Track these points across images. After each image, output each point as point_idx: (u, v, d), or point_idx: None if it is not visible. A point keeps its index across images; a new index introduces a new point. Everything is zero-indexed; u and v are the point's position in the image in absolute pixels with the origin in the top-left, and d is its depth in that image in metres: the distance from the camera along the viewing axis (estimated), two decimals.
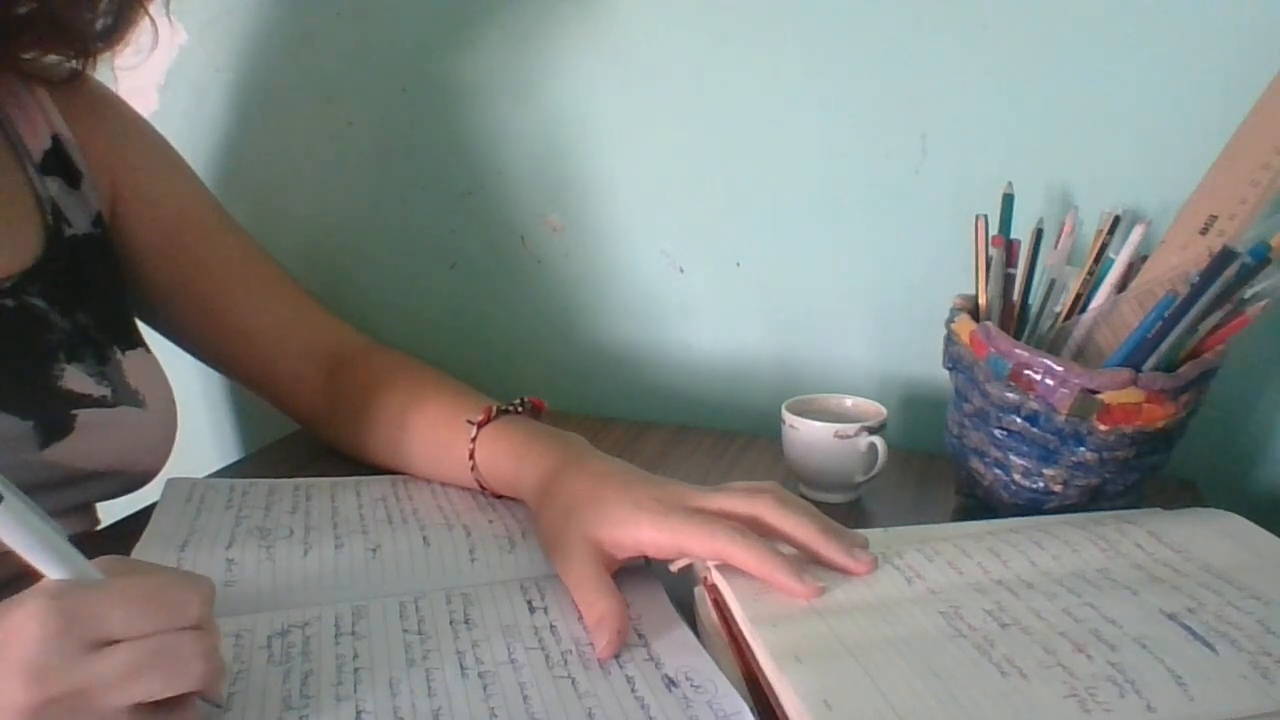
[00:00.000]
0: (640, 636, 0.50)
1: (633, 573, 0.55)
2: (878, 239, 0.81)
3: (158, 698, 0.39)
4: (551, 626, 0.51)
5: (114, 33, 0.68)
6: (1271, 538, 0.54)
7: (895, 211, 0.79)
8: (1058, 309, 0.66)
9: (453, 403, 0.67)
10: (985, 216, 0.66)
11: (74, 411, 0.61)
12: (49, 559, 0.39)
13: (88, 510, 0.70)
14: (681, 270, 0.87)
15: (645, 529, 0.51)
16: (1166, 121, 0.71)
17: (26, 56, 0.67)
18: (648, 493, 0.53)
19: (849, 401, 0.74)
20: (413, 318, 0.97)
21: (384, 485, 0.69)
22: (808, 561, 0.50)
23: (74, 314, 0.65)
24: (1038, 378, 0.59)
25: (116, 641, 0.38)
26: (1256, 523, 0.55)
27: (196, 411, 1.05)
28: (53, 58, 0.68)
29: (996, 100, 0.75)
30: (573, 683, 0.46)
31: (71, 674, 0.37)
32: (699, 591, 0.52)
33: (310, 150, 0.95)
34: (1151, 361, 0.58)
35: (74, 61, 0.69)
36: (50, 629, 0.37)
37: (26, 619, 0.37)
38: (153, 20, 0.70)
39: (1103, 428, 0.58)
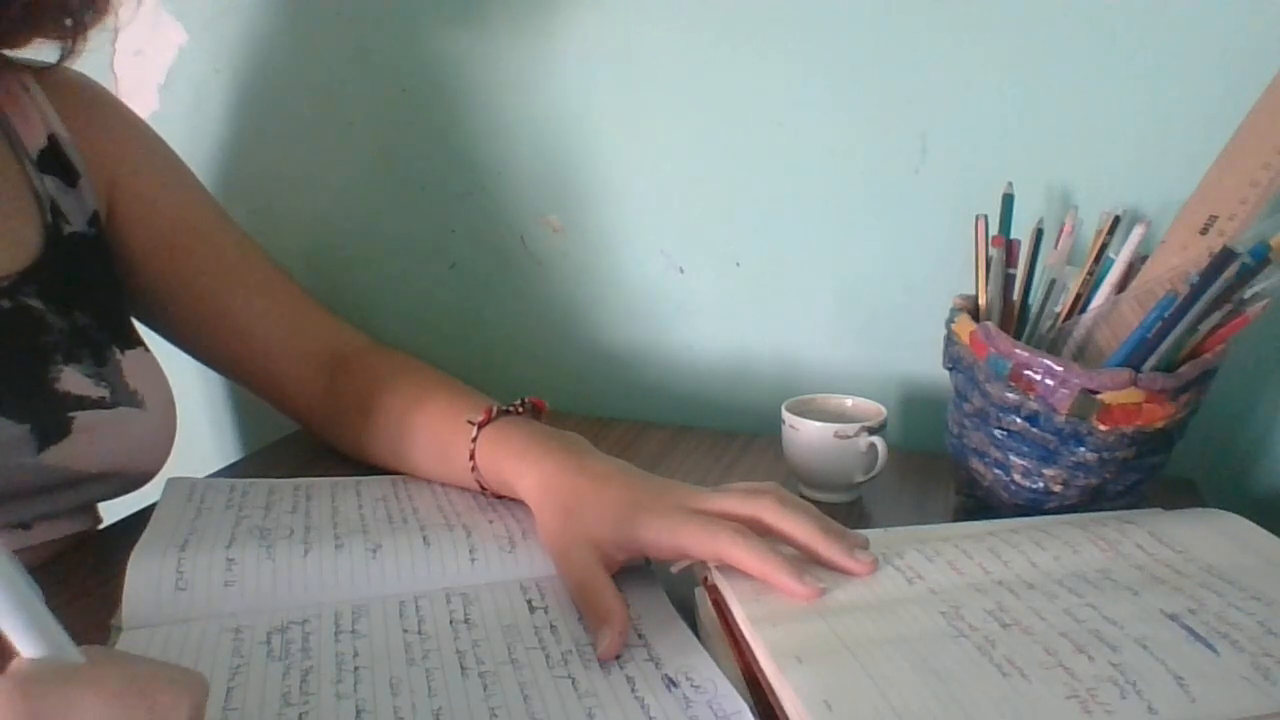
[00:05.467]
0: (640, 636, 0.50)
1: (633, 573, 0.55)
2: (878, 239, 0.81)
3: None
4: (551, 626, 0.51)
5: (98, 1, 0.68)
6: (1272, 538, 0.54)
7: (895, 211, 0.79)
8: (1058, 309, 0.66)
9: (453, 403, 0.67)
10: (985, 216, 0.66)
11: (71, 414, 0.61)
12: (25, 632, 0.32)
13: (89, 510, 0.70)
14: (681, 270, 0.87)
15: (646, 530, 0.51)
16: (1166, 121, 0.71)
17: (21, 42, 0.66)
18: (648, 493, 0.53)
19: (849, 401, 0.74)
20: (413, 318, 0.97)
21: (384, 485, 0.69)
22: (808, 562, 0.50)
23: (71, 314, 0.65)
24: (1038, 378, 0.59)
25: None
26: (1256, 523, 0.55)
27: (196, 411, 1.05)
28: (46, 55, 0.68)
29: (996, 100, 0.75)
30: (573, 683, 0.46)
31: None
32: (699, 591, 0.52)
33: (310, 150, 0.95)
34: (1151, 361, 0.58)
35: (64, 43, 0.68)
36: None
37: None
38: None
39: (1103, 428, 0.58)
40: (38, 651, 0.32)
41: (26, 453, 0.59)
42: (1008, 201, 0.67)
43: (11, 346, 0.61)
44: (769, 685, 0.43)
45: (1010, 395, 0.61)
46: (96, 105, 0.73)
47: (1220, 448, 0.77)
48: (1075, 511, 0.62)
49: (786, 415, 0.70)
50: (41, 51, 0.69)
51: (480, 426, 0.63)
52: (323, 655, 0.48)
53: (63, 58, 0.69)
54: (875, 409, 0.71)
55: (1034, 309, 0.67)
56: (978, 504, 0.67)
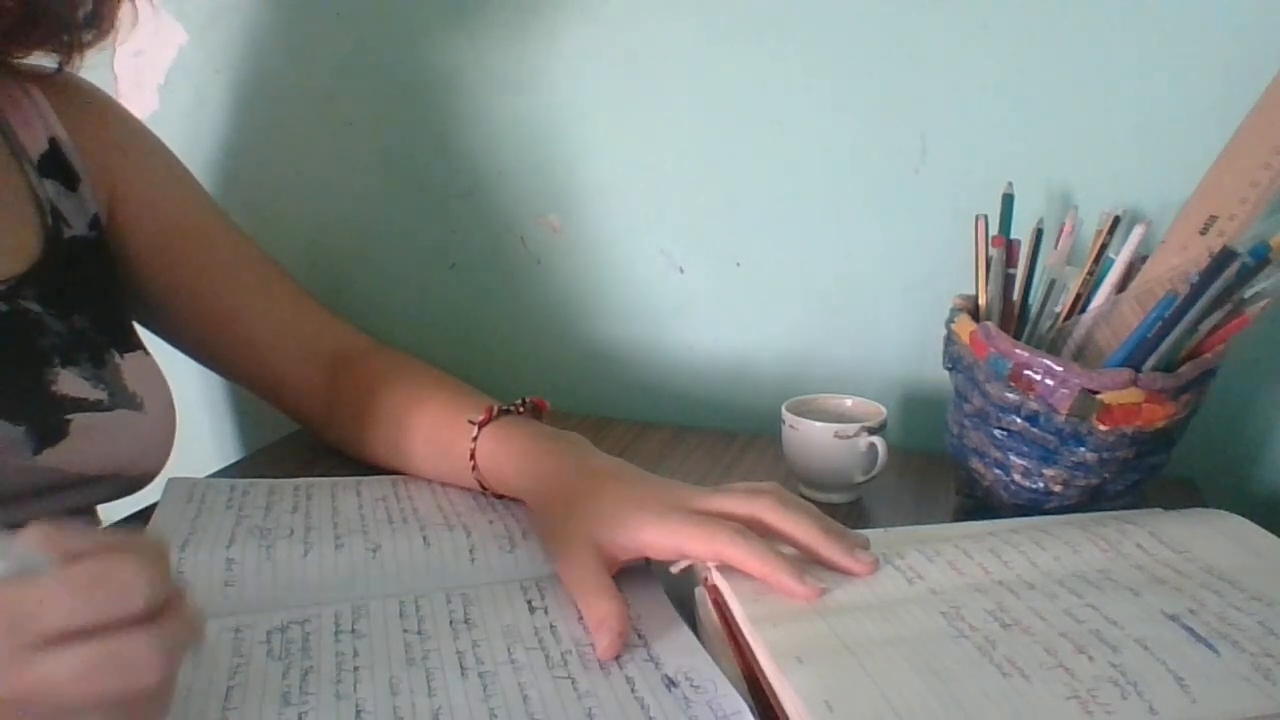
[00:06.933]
0: (640, 637, 0.50)
1: (633, 573, 0.55)
2: (878, 239, 0.81)
3: (113, 699, 0.36)
4: (551, 626, 0.51)
5: (99, 20, 0.68)
6: (1272, 538, 0.54)
7: (895, 211, 0.79)
8: (1058, 309, 0.66)
9: (454, 402, 0.67)
10: (985, 216, 0.66)
11: (69, 416, 0.61)
12: None
13: (89, 513, 0.70)
14: (681, 270, 0.87)
15: (646, 530, 0.51)
16: (1166, 121, 0.71)
17: (18, 56, 0.67)
18: (648, 493, 0.53)
19: (849, 401, 0.74)
20: (413, 318, 0.97)
21: (384, 485, 0.69)
22: (809, 562, 0.50)
23: (70, 317, 0.65)
24: (1038, 378, 0.59)
25: (68, 635, 0.35)
26: (1256, 523, 0.55)
27: (196, 412, 1.05)
28: (45, 60, 0.68)
29: (996, 100, 0.75)
30: (573, 683, 0.46)
31: (20, 676, 0.34)
32: (699, 592, 0.52)
33: (310, 150, 0.95)
34: (1151, 361, 0.58)
35: (64, 57, 0.68)
36: None
37: None
38: (134, 3, 0.69)
39: (1103, 428, 0.58)
40: None
41: (23, 454, 0.59)
42: (1008, 201, 0.67)
43: (9, 349, 0.61)
44: (769, 685, 0.43)
45: (1010, 395, 0.61)
46: (97, 109, 0.73)
47: (1220, 448, 0.77)
48: (1075, 511, 0.62)
49: (786, 415, 0.70)
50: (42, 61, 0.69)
51: (481, 426, 0.63)
52: (322, 655, 0.48)
53: (60, 69, 0.69)
54: (875, 409, 0.71)
55: (1034, 309, 0.67)
56: (978, 504, 0.67)
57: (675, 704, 0.44)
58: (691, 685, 0.46)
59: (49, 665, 0.35)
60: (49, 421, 0.60)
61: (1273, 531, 0.54)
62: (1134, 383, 0.57)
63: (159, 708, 0.38)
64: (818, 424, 0.68)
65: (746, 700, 0.44)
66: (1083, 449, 0.60)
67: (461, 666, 0.47)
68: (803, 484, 0.71)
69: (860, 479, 0.68)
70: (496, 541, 0.59)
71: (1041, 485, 0.62)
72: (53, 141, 0.68)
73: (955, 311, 0.66)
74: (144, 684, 0.36)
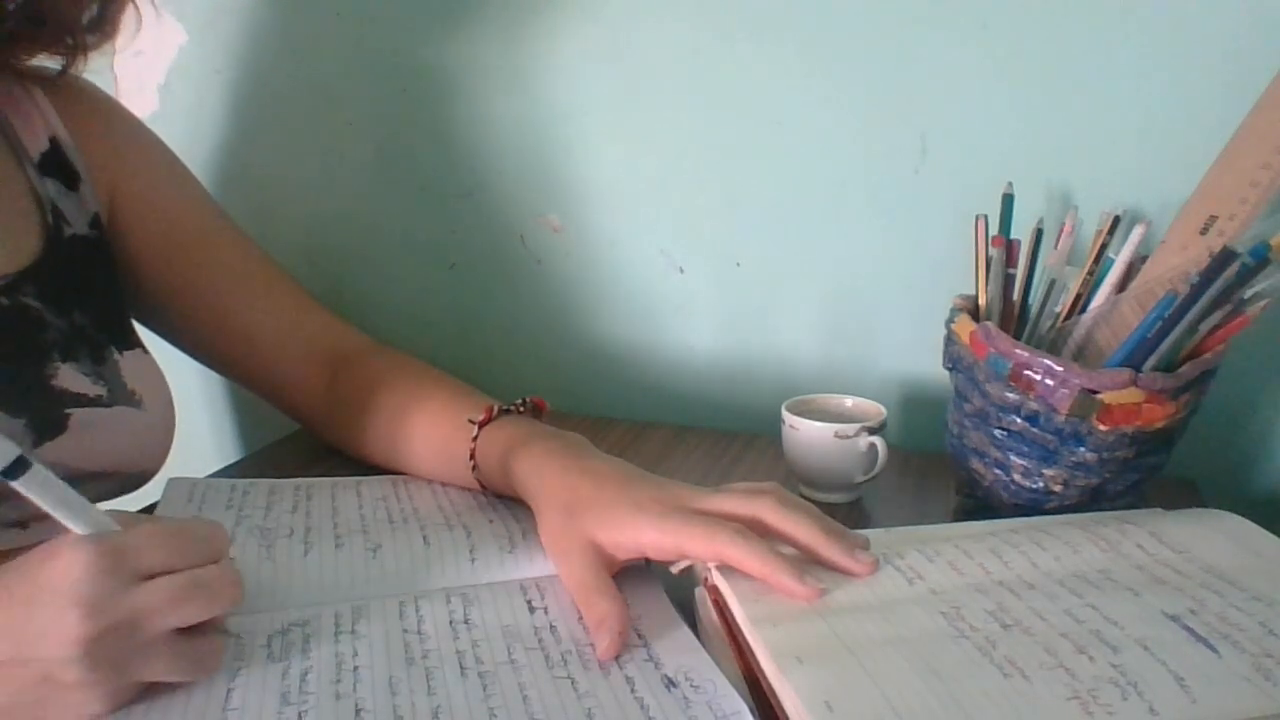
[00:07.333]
0: (640, 637, 0.50)
1: (633, 573, 0.55)
2: (878, 239, 0.81)
3: (198, 620, 0.44)
4: (551, 626, 0.51)
5: (103, 23, 0.68)
6: (1273, 538, 0.54)
7: (895, 211, 0.79)
8: (1058, 309, 0.66)
9: (454, 402, 0.67)
10: (985, 216, 0.66)
11: (68, 411, 0.61)
12: (77, 517, 0.43)
13: None
14: (681, 270, 0.87)
15: (646, 530, 0.51)
16: (1166, 121, 0.71)
17: (22, 58, 0.67)
18: (648, 494, 0.53)
19: (849, 401, 0.74)
20: (413, 318, 0.97)
21: (384, 485, 0.69)
22: (809, 562, 0.50)
23: (70, 314, 0.65)
24: (1038, 378, 0.59)
25: (156, 575, 0.43)
26: (1256, 523, 0.55)
27: (196, 411, 1.05)
28: (48, 61, 0.68)
29: (996, 100, 0.75)
30: (572, 683, 0.46)
31: (122, 604, 0.41)
32: (700, 592, 0.52)
33: (310, 150, 0.95)
34: (1151, 361, 0.58)
35: (68, 58, 0.68)
36: (100, 567, 0.41)
37: (75, 560, 0.41)
38: (136, 7, 0.70)
39: (1103, 428, 0.58)
40: (87, 529, 0.43)
41: (23, 448, 0.59)
42: (1008, 201, 0.67)
43: (9, 343, 0.61)
44: (769, 686, 0.43)
45: (1010, 395, 0.61)
46: (98, 109, 0.73)
47: (1220, 448, 0.77)
48: (1075, 511, 0.62)
49: (786, 415, 0.70)
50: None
51: (481, 426, 0.63)
52: (322, 655, 0.48)
53: (63, 71, 0.69)
54: (875, 409, 0.71)
55: (1034, 309, 0.67)
56: (978, 504, 0.67)
57: (675, 704, 0.44)
58: (691, 685, 0.46)
59: (146, 593, 0.42)
60: (48, 416, 0.60)
61: (1273, 531, 0.54)
62: (1134, 383, 0.57)
63: (219, 655, 0.46)
64: (818, 424, 0.68)
65: (746, 700, 0.44)
66: (1083, 449, 0.60)
67: (461, 666, 0.47)
68: (803, 484, 0.71)
69: (860, 479, 0.68)
70: (496, 541, 0.59)
71: (1041, 485, 0.62)
72: (53, 141, 0.68)
73: (955, 311, 0.66)
74: (225, 606, 0.45)
